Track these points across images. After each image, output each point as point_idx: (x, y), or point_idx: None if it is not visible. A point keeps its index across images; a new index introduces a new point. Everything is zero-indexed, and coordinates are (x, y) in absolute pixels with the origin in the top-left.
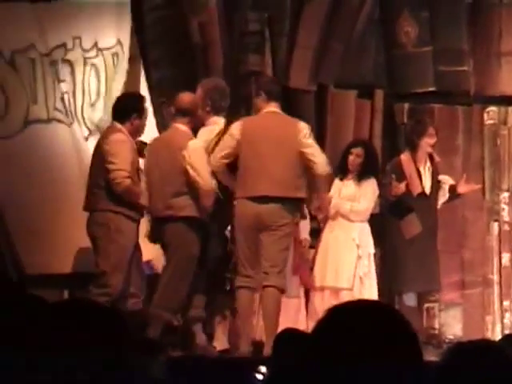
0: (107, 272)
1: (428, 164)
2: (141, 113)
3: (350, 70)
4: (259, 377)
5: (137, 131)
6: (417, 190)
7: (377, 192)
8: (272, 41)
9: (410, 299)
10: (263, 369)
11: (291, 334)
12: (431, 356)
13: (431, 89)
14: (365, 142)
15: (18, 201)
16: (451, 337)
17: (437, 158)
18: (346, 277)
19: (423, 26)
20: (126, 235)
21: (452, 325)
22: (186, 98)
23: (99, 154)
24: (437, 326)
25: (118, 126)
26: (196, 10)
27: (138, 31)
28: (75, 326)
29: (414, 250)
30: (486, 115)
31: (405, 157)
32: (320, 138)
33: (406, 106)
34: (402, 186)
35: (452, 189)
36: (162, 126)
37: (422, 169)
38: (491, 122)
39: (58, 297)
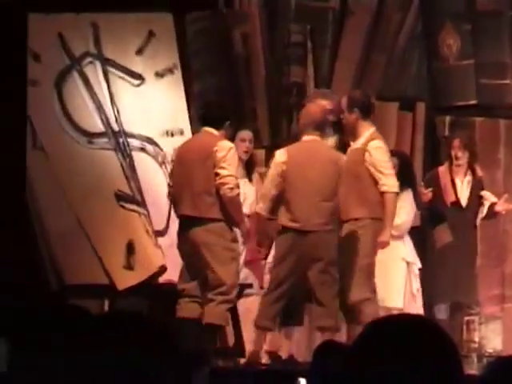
0: (227, 280)
1: (468, 177)
2: (231, 120)
3: (391, 82)
4: None
5: (227, 139)
6: (450, 199)
7: (414, 204)
8: (314, 53)
9: (440, 312)
10: (303, 381)
11: (331, 345)
12: (470, 369)
13: (473, 102)
14: (398, 152)
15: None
16: (491, 350)
17: (479, 172)
18: (396, 295)
19: (465, 39)
20: (237, 244)
21: (492, 338)
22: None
23: (203, 159)
24: (477, 339)
25: (217, 132)
26: (239, 21)
27: (180, 43)
28: (114, 337)
29: (448, 263)
30: None
31: (442, 168)
32: None
33: (448, 118)
34: (429, 193)
35: (492, 206)
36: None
37: (458, 180)
38: None
39: (98, 307)
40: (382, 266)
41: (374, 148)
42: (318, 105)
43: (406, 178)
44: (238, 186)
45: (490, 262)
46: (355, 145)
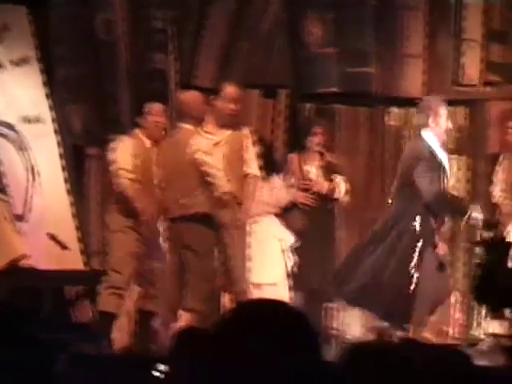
0: (117, 268)
1: (319, 163)
2: None
3: (255, 69)
4: (157, 374)
5: None
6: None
7: (276, 188)
8: (178, 39)
9: (297, 297)
10: (161, 366)
11: (191, 331)
12: (329, 356)
13: (335, 89)
14: (261, 139)
15: None
16: (350, 337)
17: (329, 158)
18: (270, 272)
19: (328, 27)
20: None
21: (352, 325)
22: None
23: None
24: (336, 325)
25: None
26: (102, 7)
27: (39, 31)
28: None
29: (305, 247)
30: (388, 116)
31: (293, 155)
32: None
33: (310, 106)
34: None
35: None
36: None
37: (309, 167)
38: (394, 123)
39: None
40: (258, 243)
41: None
42: (193, 94)
43: (268, 164)
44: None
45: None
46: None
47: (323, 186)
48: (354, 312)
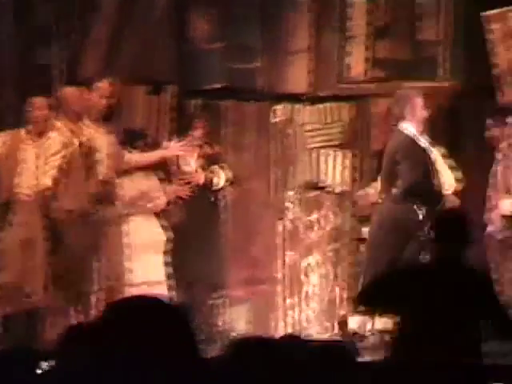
0: None
1: (197, 155)
2: None
3: (141, 65)
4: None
5: None
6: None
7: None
8: (64, 35)
9: (179, 293)
10: (44, 364)
11: (78, 327)
12: (214, 352)
13: (220, 85)
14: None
15: None
16: (236, 333)
17: (207, 149)
18: (155, 270)
19: (214, 23)
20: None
21: (238, 321)
22: None
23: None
24: (222, 322)
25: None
26: None
27: None
28: None
29: (190, 243)
30: (274, 113)
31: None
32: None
33: (196, 101)
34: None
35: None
36: None
37: (190, 160)
38: (279, 119)
39: None
40: (137, 242)
41: None
42: (71, 90)
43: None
44: None
45: (238, 244)
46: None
47: (200, 176)
48: (239, 308)
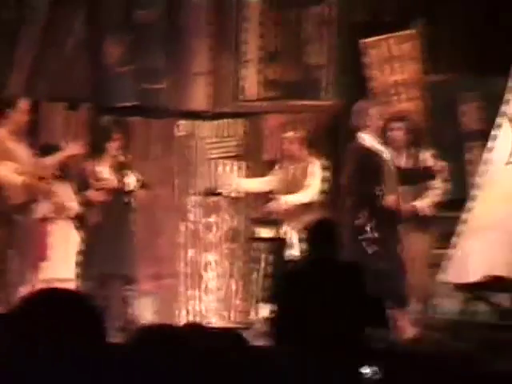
0: None
1: (110, 164)
2: None
3: (61, 84)
4: None
5: None
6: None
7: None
8: None
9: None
10: None
11: None
12: (123, 338)
13: (131, 103)
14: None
15: None
16: (144, 322)
17: (119, 158)
18: (67, 266)
19: (126, 48)
20: None
21: (146, 311)
22: None
23: None
24: (132, 312)
25: None
26: None
27: None
28: None
29: (100, 242)
30: (178, 128)
31: (87, 162)
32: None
33: (109, 117)
34: None
35: None
36: None
37: (103, 168)
38: (182, 133)
39: None
40: (56, 243)
41: None
42: None
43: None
44: None
45: (145, 243)
46: None
47: (114, 181)
48: (147, 300)
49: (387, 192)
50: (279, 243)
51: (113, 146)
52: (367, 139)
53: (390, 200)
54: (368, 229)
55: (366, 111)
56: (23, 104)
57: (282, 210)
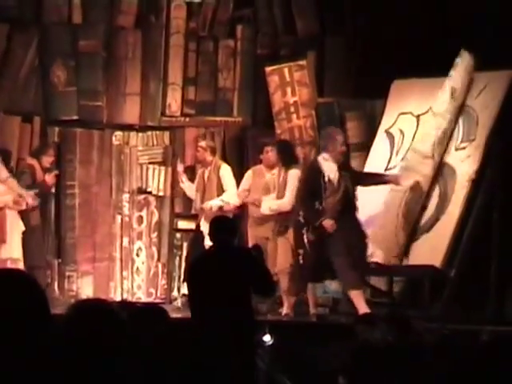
0: None
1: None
2: None
3: (16, 101)
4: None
5: None
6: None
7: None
8: None
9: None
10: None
11: None
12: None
13: (75, 117)
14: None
15: None
16: (84, 297)
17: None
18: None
19: (70, 71)
20: None
21: (86, 288)
22: None
23: None
24: (75, 288)
25: None
26: None
27: None
28: None
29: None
30: (114, 138)
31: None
32: None
33: (57, 129)
34: None
35: None
36: None
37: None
38: (118, 142)
39: None
40: (11, 229)
41: None
42: None
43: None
44: None
45: (85, 232)
46: None
47: (53, 183)
48: (87, 279)
49: (325, 208)
50: (197, 234)
51: (47, 160)
52: (323, 157)
53: (327, 223)
54: (304, 231)
55: (335, 136)
56: None
57: (208, 212)
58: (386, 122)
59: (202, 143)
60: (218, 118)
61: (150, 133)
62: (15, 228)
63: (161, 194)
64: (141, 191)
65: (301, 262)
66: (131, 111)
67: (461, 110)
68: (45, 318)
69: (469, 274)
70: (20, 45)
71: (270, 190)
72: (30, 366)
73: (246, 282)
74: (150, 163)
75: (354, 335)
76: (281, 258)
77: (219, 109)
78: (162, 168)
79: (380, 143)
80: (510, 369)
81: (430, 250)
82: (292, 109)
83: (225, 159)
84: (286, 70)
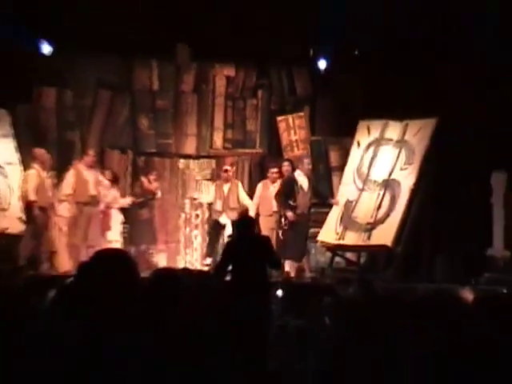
0: None
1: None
2: None
3: (117, 140)
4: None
5: None
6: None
7: None
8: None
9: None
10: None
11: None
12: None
13: (154, 150)
14: None
15: None
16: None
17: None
18: None
19: (151, 121)
20: None
21: (161, 261)
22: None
23: None
24: (155, 261)
25: None
26: None
27: None
28: None
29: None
30: (179, 163)
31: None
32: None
33: (143, 158)
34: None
35: None
36: None
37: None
38: (181, 166)
39: None
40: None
41: None
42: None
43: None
44: None
45: (161, 224)
46: None
47: (156, 191)
48: (161, 255)
49: (298, 205)
50: (217, 225)
51: (152, 178)
52: (298, 173)
53: (289, 214)
54: (283, 222)
55: (303, 160)
56: (91, 151)
57: (231, 211)
58: (353, 152)
59: (228, 167)
60: (246, 150)
61: (202, 160)
62: (116, 220)
63: (208, 199)
64: (196, 198)
65: (281, 238)
66: (190, 146)
67: (402, 144)
68: (135, 281)
69: (410, 250)
70: (118, 103)
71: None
72: (126, 315)
73: (263, 258)
74: (202, 180)
75: (335, 292)
76: None
77: (247, 144)
78: (210, 183)
79: (349, 166)
80: (438, 312)
81: (384, 235)
82: (294, 144)
83: (250, 177)
84: (290, 119)
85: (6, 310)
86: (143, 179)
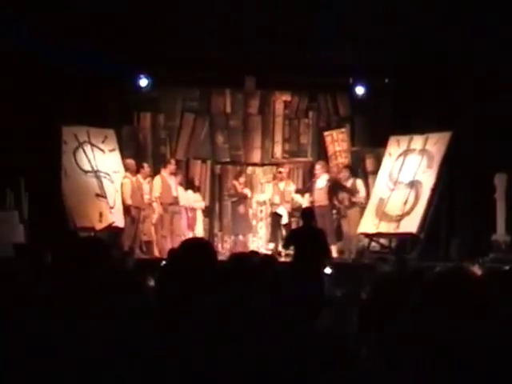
0: None
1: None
2: None
3: (198, 152)
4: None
5: None
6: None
7: None
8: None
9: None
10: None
11: None
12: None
13: (228, 160)
14: None
15: None
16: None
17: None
18: None
19: (225, 136)
20: None
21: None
22: None
23: None
24: (229, 247)
25: None
26: None
27: None
28: None
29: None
30: (248, 170)
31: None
32: None
33: (219, 166)
34: None
35: None
36: None
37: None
38: (250, 172)
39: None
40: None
41: None
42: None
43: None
44: None
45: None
46: None
47: (246, 192)
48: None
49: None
50: (281, 215)
51: (242, 181)
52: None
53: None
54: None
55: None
56: (172, 160)
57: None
58: (385, 161)
59: (282, 169)
60: (300, 159)
61: (266, 167)
62: (199, 217)
63: (268, 196)
64: (262, 196)
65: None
66: (256, 156)
67: (424, 152)
68: (213, 263)
69: (430, 236)
70: (199, 124)
71: None
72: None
73: (319, 246)
74: (266, 182)
75: (375, 269)
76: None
77: (301, 154)
78: (271, 184)
79: (382, 171)
80: (455, 287)
81: (410, 224)
82: (338, 154)
83: (304, 180)
84: (334, 134)
85: (123, 286)
86: (235, 182)
